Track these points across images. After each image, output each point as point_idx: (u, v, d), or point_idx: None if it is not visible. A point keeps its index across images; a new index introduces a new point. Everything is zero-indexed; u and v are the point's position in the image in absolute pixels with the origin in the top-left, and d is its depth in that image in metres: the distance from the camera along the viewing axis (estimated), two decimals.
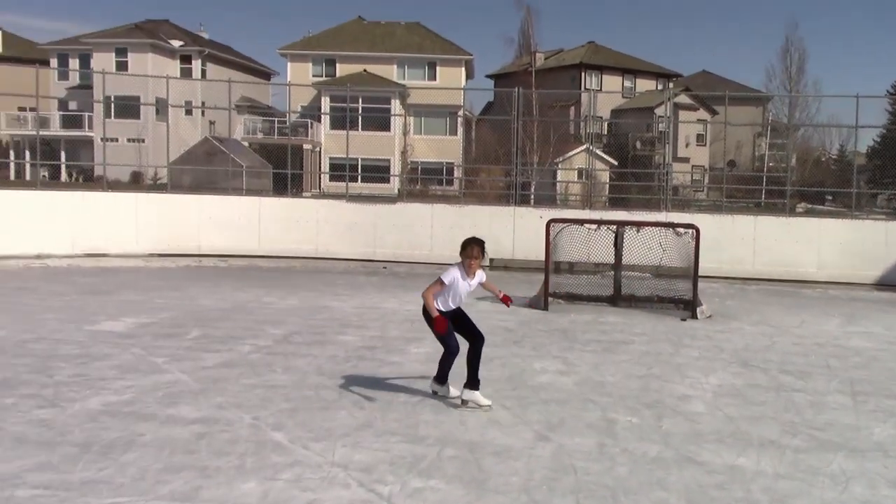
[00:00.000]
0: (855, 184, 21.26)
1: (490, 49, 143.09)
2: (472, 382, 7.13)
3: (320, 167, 48.26)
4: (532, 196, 27.41)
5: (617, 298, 13.41)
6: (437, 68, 55.43)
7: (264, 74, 64.77)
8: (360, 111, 46.35)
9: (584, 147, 38.34)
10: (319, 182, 43.80)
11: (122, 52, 53.73)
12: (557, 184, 38.05)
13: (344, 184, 22.98)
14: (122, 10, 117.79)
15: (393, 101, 50.69)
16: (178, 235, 19.62)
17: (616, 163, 42.07)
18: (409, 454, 5.90)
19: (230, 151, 31.59)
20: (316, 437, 6.21)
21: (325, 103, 49.17)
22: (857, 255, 18.01)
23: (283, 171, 24.71)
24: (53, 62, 55.43)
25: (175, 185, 22.93)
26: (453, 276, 6.98)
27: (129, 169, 41.98)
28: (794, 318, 12.79)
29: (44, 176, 46.05)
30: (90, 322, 10.68)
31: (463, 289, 7.07)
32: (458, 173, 39.04)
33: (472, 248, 6.98)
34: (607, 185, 36.33)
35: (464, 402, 7.14)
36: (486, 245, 7.04)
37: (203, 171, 29.02)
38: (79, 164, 49.25)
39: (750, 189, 30.67)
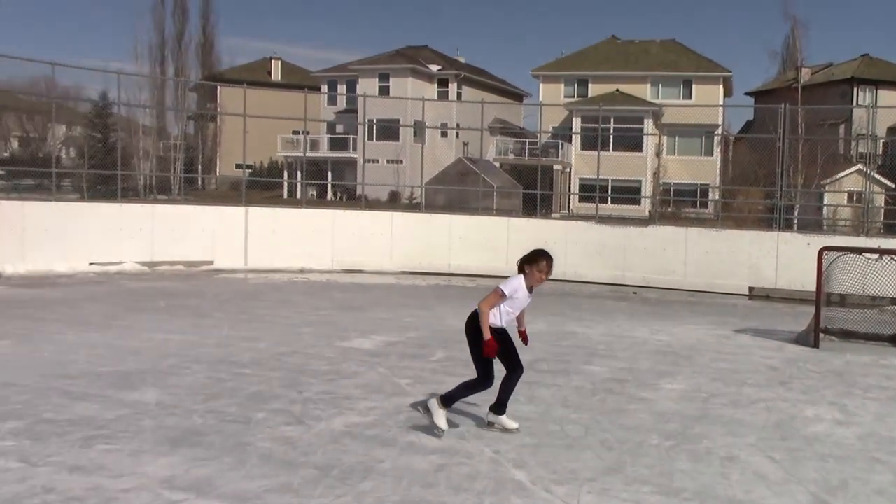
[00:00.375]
0: None
1: (750, 65, 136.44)
2: (500, 407, 6.67)
3: (570, 188, 47.96)
4: (795, 220, 25.46)
5: None
6: (693, 86, 53.52)
7: (517, 96, 65.71)
8: (611, 131, 45.56)
9: (856, 168, 35.30)
10: (569, 203, 43.55)
11: (384, 77, 56.60)
12: (824, 207, 35.23)
13: (593, 205, 22.45)
14: (385, 38, 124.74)
15: (646, 120, 49.45)
16: (429, 254, 19.99)
17: (893, 185, 38.25)
18: None
19: (482, 172, 32.08)
20: (559, 479, 5.75)
21: (577, 123, 48.90)
22: None
23: (533, 192, 24.58)
24: (324, 88, 59.40)
25: (429, 204, 23.49)
26: (516, 286, 6.35)
27: (387, 189, 43.89)
28: None
29: (312, 195, 49.36)
30: (341, 338, 10.91)
31: (521, 304, 6.46)
32: (713, 195, 37.23)
33: (545, 262, 6.35)
34: (882, 210, 33.16)
35: (489, 424, 6.73)
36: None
37: (456, 190, 29.63)
38: (343, 183, 52.26)
39: None
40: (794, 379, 9.44)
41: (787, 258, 17.73)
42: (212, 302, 14.06)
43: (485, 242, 19.86)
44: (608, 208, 30.48)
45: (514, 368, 6.58)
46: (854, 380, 9.51)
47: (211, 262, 18.90)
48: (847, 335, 12.08)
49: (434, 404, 6.53)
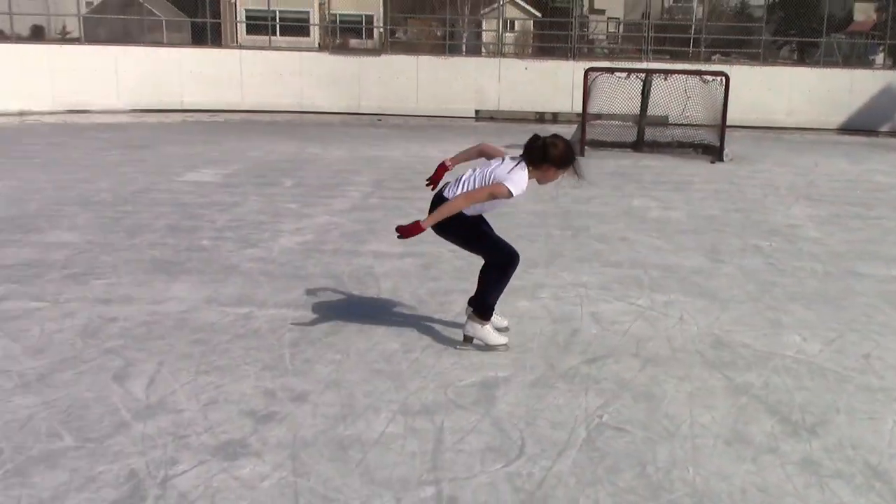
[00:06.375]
0: (764, 34, 22.42)
1: None
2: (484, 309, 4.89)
3: (236, 17, 46.30)
4: (464, 46, 27.72)
5: (640, 144, 14.26)
6: None
7: None
8: None
9: None
10: (236, 35, 42.35)
11: None
12: (483, 33, 38.25)
13: (261, 37, 22.79)
14: None
15: None
16: (159, 91, 19.15)
17: (539, 14, 42.35)
18: None
19: (146, 1, 30.25)
20: None
21: None
22: (824, 102, 19.26)
23: (203, 21, 24.27)
24: None
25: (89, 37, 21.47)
26: (523, 186, 4.56)
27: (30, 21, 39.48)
28: (805, 160, 13.93)
29: None
30: (175, 174, 10.79)
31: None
32: (378, 23, 38.45)
33: (573, 165, 4.73)
34: (532, 35, 37.36)
35: (466, 340, 4.94)
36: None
37: (120, 21, 27.80)
38: None
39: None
40: (595, 182, 10.90)
41: (507, 82, 19.63)
42: None
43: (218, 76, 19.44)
44: (279, 40, 30.54)
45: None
46: (639, 178, 11.52)
47: None
48: (597, 145, 14.18)
49: (475, 328, 4.86)
